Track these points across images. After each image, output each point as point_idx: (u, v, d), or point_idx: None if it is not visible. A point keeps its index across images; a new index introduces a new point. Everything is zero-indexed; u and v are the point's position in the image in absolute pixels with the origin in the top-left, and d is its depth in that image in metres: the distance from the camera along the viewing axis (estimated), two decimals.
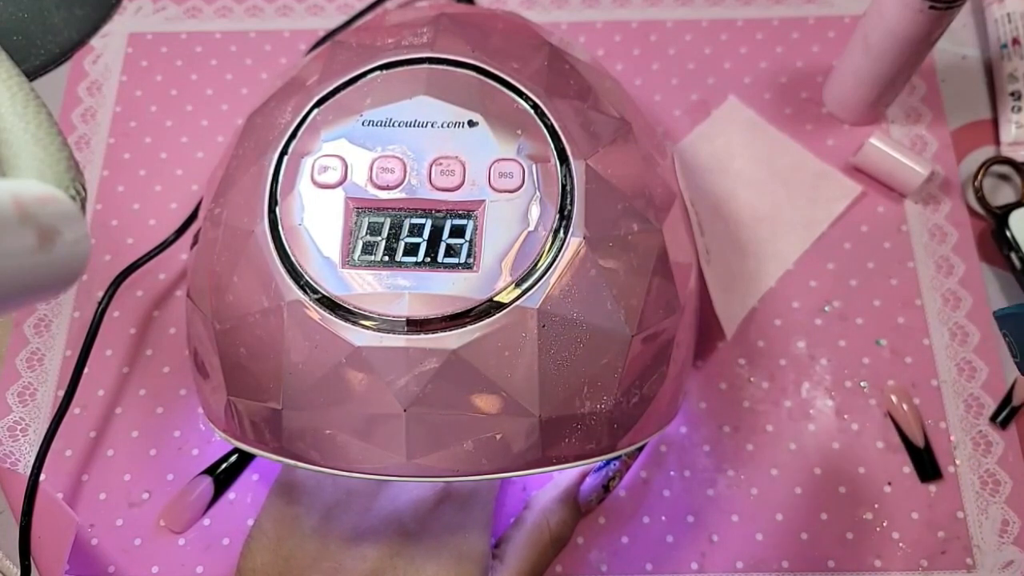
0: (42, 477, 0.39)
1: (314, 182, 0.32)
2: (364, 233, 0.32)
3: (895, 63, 0.44)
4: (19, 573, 0.38)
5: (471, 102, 0.33)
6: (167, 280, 0.46)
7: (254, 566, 0.35)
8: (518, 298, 0.31)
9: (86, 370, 0.42)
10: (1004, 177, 0.48)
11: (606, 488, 0.41)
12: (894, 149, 0.46)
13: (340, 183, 0.32)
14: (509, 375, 0.30)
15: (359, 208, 0.32)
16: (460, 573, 0.35)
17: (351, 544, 0.35)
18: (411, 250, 0.32)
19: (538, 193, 0.32)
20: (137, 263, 0.44)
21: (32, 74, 0.51)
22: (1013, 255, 0.44)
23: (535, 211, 0.32)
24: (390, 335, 0.30)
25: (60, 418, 0.40)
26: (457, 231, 0.32)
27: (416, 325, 0.30)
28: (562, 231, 0.31)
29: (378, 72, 0.34)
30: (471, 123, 0.33)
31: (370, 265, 0.31)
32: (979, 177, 0.46)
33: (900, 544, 0.41)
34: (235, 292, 0.32)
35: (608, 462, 0.41)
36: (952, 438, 0.43)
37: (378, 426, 0.31)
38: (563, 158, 0.32)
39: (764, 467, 0.42)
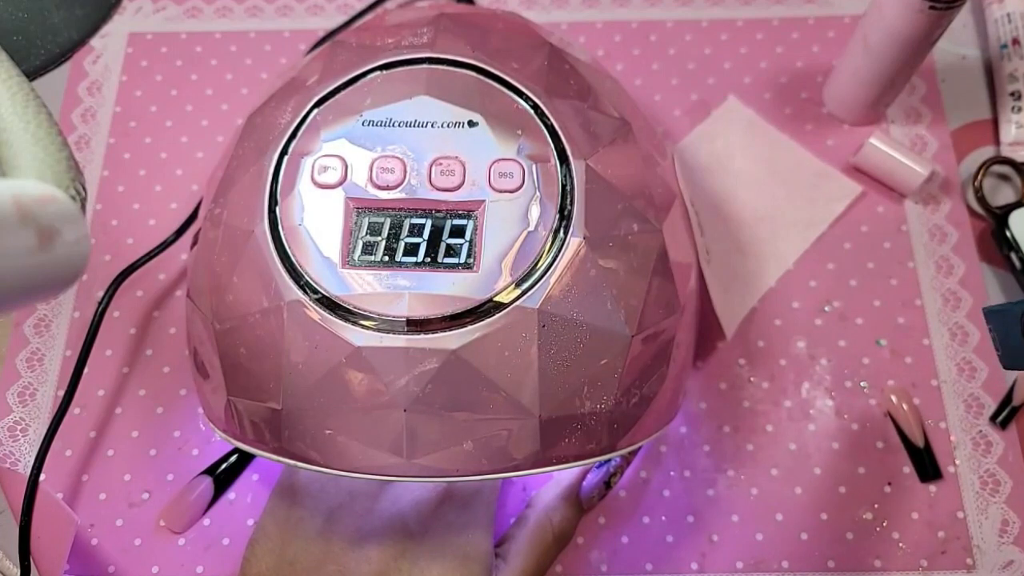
0: (42, 477, 0.39)
1: (314, 182, 0.32)
2: (364, 233, 0.32)
3: (895, 63, 0.44)
4: (19, 573, 0.38)
5: (471, 102, 0.33)
6: (167, 280, 0.46)
7: (259, 570, 0.35)
8: (518, 298, 0.31)
9: (86, 370, 0.42)
10: (1004, 177, 0.48)
11: (607, 485, 0.41)
12: (894, 149, 0.46)
13: (340, 183, 0.32)
14: (509, 375, 0.30)
15: (359, 208, 0.32)
16: (464, 573, 0.35)
17: (355, 546, 0.35)
18: (411, 250, 0.32)
19: (538, 193, 0.32)
20: (137, 263, 0.44)
21: (32, 74, 0.51)
22: (1013, 255, 0.44)
23: (535, 211, 0.32)
24: (390, 335, 0.30)
25: (60, 418, 0.40)
26: (457, 231, 0.32)
27: (416, 325, 0.30)
28: (562, 231, 0.31)
29: (378, 72, 0.34)
30: (471, 123, 0.33)
31: (370, 265, 0.31)
32: (979, 177, 0.46)
33: (900, 544, 0.41)
34: (235, 292, 0.32)
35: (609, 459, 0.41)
36: (952, 438, 0.43)
37: (378, 426, 0.31)
38: (563, 158, 0.32)
39: (764, 467, 0.42)
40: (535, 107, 0.33)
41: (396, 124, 0.33)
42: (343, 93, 0.34)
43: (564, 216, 0.32)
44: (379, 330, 0.30)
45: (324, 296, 0.31)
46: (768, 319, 0.45)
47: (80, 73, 0.52)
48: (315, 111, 0.34)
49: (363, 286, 0.31)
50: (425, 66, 0.34)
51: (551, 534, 0.38)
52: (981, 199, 0.46)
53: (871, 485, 0.42)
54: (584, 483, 0.40)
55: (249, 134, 0.35)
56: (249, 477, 0.43)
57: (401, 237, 0.32)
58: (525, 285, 0.31)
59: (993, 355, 0.44)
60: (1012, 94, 0.48)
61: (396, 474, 0.31)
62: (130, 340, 0.45)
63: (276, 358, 0.31)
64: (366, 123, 0.33)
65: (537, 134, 0.33)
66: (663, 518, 0.41)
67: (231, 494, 0.42)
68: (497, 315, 0.30)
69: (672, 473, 0.42)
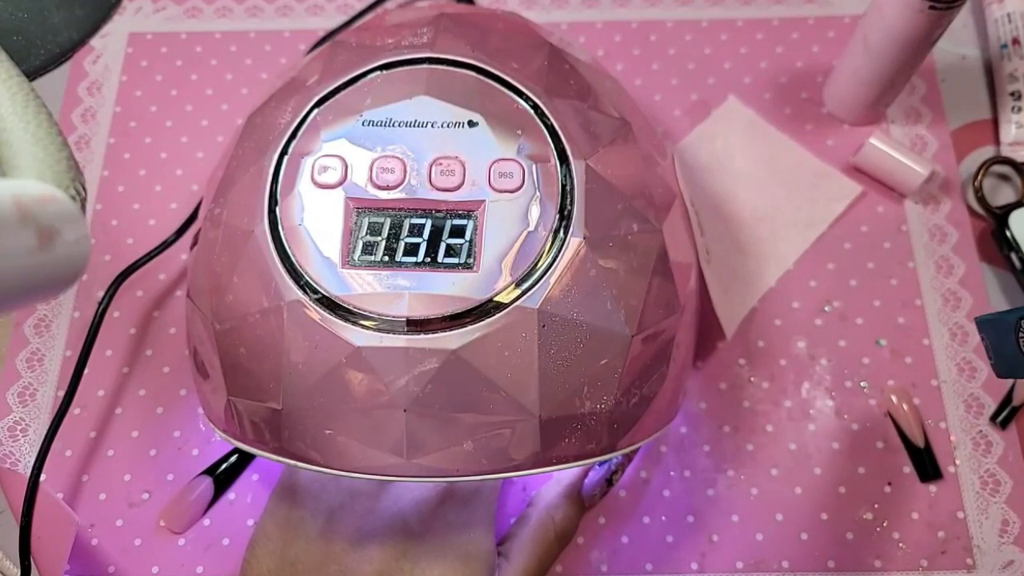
0: (42, 477, 0.39)
1: (314, 182, 0.32)
2: (364, 233, 0.32)
3: (895, 63, 0.44)
4: (19, 573, 0.38)
5: (471, 102, 0.33)
6: (167, 280, 0.46)
7: (260, 572, 0.35)
8: (518, 298, 0.31)
9: (86, 370, 0.42)
10: (1004, 177, 0.48)
11: (609, 482, 0.41)
12: (894, 149, 0.46)
13: (340, 183, 0.32)
14: (509, 375, 0.30)
15: (359, 208, 0.32)
16: (466, 573, 0.35)
17: (356, 546, 0.35)
18: (411, 250, 0.32)
19: (538, 193, 0.32)
20: (137, 263, 0.44)
21: (32, 74, 0.51)
22: (1013, 255, 0.44)
23: (535, 211, 0.32)
24: (390, 335, 0.30)
25: (60, 418, 0.40)
26: (457, 231, 0.32)
27: (416, 325, 0.30)
28: (562, 231, 0.31)
29: (378, 72, 0.34)
30: (471, 123, 0.33)
31: (370, 265, 0.31)
32: (979, 177, 0.46)
33: (900, 544, 0.41)
34: (235, 292, 0.32)
35: None
36: (952, 438, 0.43)
37: (378, 426, 0.31)
38: (563, 158, 0.32)
39: (764, 467, 0.42)
40: (535, 107, 0.33)
41: (396, 124, 0.33)
42: (343, 93, 0.34)
43: (564, 216, 0.32)
44: (379, 330, 0.30)
45: (324, 296, 0.31)
46: (768, 319, 0.45)
47: (80, 73, 0.52)
48: (315, 111, 0.34)
49: (363, 286, 0.31)
50: (425, 66, 0.34)
51: (553, 532, 0.38)
52: (981, 199, 0.46)
53: (871, 485, 0.42)
54: (586, 481, 0.40)
55: (249, 134, 0.35)
56: (249, 477, 0.43)
57: (401, 237, 0.32)
58: (525, 285, 0.31)
59: None
60: (1012, 94, 0.48)
61: (396, 474, 0.31)
62: (130, 340, 0.45)
63: (276, 358, 0.31)
64: (366, 123, 0.33)
65: (537, 134, 0.33)
66: (663, 518, 0.41)
67: (231, 494, 0.42)
68: (497, 315, 0.30)
69: (672, 473, 0.42)
